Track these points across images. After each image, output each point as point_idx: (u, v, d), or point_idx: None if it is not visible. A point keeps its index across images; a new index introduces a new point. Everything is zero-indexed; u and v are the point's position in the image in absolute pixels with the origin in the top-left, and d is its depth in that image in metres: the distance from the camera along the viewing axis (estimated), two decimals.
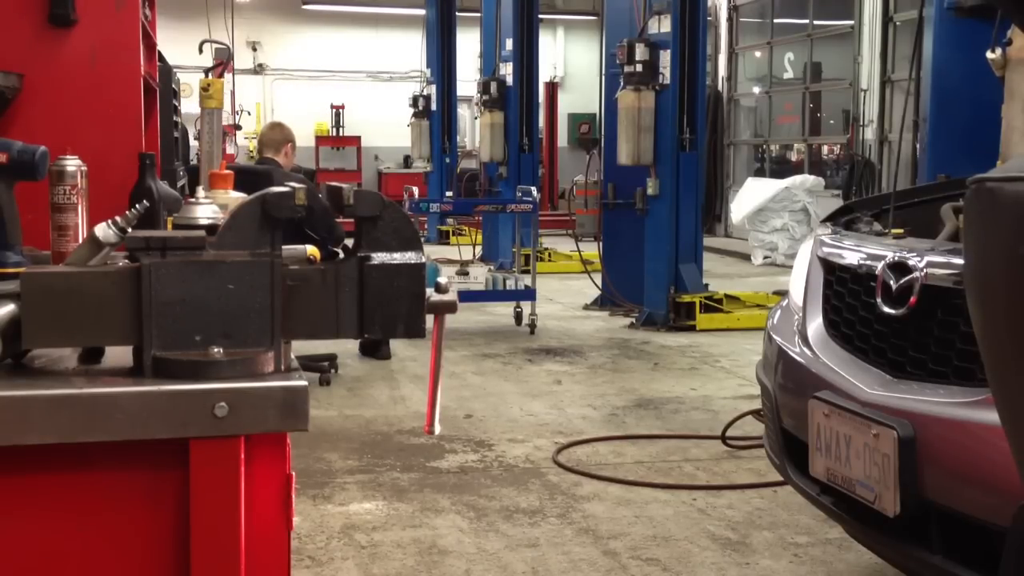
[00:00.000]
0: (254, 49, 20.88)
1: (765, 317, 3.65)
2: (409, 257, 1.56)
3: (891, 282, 2.65)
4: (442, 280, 1.62)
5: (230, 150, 14.73)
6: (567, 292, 10.45)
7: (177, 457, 1.44)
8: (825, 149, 16.11)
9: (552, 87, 20.87)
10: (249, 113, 19.19)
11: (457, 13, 15.34)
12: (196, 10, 15.22)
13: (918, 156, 7.92)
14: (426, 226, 14.92)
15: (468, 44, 17.11)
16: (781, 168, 16.47)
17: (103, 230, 1.60)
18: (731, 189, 16.80)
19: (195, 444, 1.43)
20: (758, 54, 17.52)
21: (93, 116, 3.24)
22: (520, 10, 12.17)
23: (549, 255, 12.57)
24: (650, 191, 8.54)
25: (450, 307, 1.61)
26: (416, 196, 7.99)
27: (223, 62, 6.26)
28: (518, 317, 8.43)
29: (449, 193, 14.37)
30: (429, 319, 1.60)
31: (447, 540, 3.89)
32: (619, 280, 9.22)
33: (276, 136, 6.76)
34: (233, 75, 16.44)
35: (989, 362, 1.13)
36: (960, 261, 1.30)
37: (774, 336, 3.24)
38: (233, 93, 16.72)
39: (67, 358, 1.58)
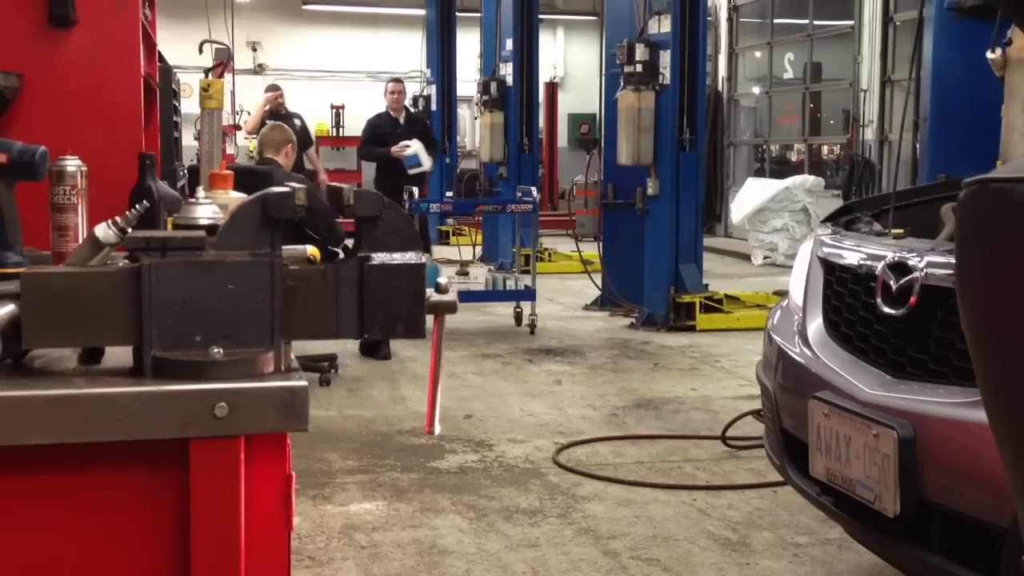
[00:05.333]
0: (254, 49, 20.86)
1: (765, 317, 3.65)
2: (409, 257, 1.56)
3: (891, 282, 2.65)
4: (442, 280, 1.62)
5: (230, 150, 14.71)
6: (567, 292, 10.45)
7: (177, 457, 1.44)
8: (825, 149, 16.11)
9: (552, 87, 20.86)
10: (249, 113, 19.17)
11: (457, 13, 15.34)
12: (196, 10, 15.19)
13: (918, 156, 7.93)
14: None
15: (468, 44, 17.10)
16: (781, 168, 16.46)
17: (103, 230, 1.60)
18: (731, 189, 16.80)
19: (195, 444, 1.43)
20: (758, 54, 17.52)
21: (93, 116, 3.24)
22: (520, 10, 12.17)
23: (549, 255, 12.57)
24: (650, 191, 8.53)
25: (450, 307, 1.61)
26: (416, 196, 7.99)
27: (223, 62, 6.25)
28: (518, 317, 8.43)
29: (449, 193, 14.36)
30: (429, 319, 1.60)
31: (447, 540, 3.89)
32: (619, 280, 9.22)
33: (276, 136, 6.77)
34: (233, 75, 16.42)
35: (984, 369, 1.10)
36: None
37: (774, 336, 3.24)
38: (233, 93, 16.69)
39: (67, 358, 1.58)
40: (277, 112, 10.68)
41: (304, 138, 11.16)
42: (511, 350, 7.54)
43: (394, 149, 9.56)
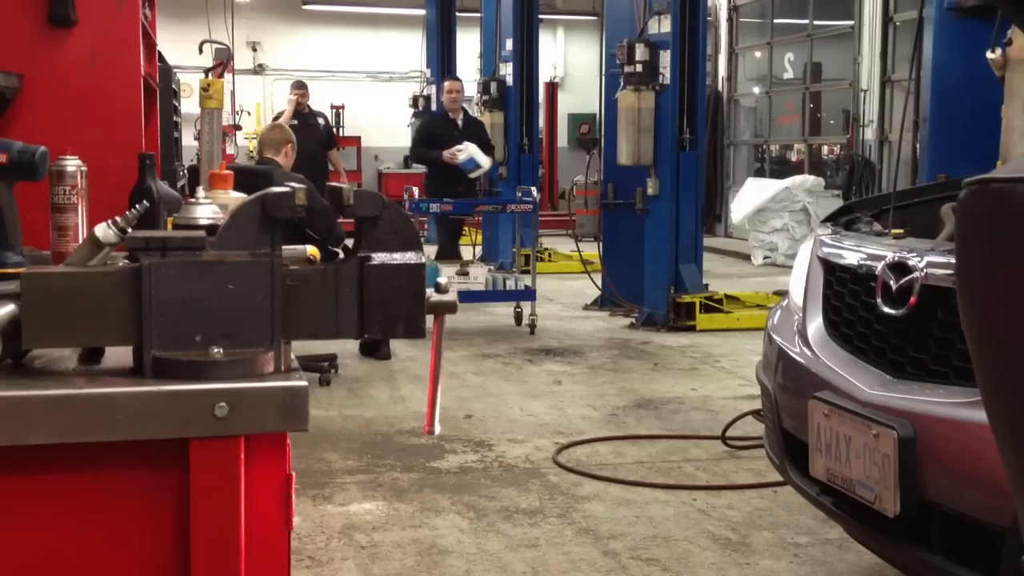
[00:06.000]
0: (254, 49, 20.87)
1: (765, 317, 3.65)
2: (409, 257, 1.56)
3: (891, 282, 2.65)
4: (442, 280, 1.62)
5: (230, 150, 14.71)
6: (567, 292, 10.45)
7: (177, 457, 1.44)
8: (825, 149, 16.11)
9: (552, 87, 20.85)
10: (249, 113, 19.17)
11: (457, 13, 15.33)
12: (196, 10, 15.21)
13: (918, 156, 7.93)
14: (426, 226, 14.88)
15: (468, 44, 17.10)
16: (781, 168, 16.46)
17: (103, 230, 1.60)
18: (731, 189, 16.79)
19: (195, 444, 1.43)
20: (758, 54, 17.52)
21: (93, 116, 3.24)
22: (520, 10, 12.17)
23: (549, 255, 12.57)
24: (650, 191, 8.54)
25: (450, 307, 1.61)
26: (416, 196, 7.99)
27: (223, 62, 6.25)
28: (518, 317, 8.43)
29: None
30: (429, 319, 1.60)
31: (447, 540, 3.89)
32: (619, 280, 9.21)
33: (276, 137, 6.77)
34: (233, 75, 16.42)
35: (984, 369, 1.10)
36: None
37: (774, 336, 3.24)
38: (233, 93, 16.69)
39: (67, 358, 1.58)
40: (300, 111, 10.26)
41: (327, 138, 10.78)
42: (511, 350, 7.54)
43: (446, 155, 9.27)
